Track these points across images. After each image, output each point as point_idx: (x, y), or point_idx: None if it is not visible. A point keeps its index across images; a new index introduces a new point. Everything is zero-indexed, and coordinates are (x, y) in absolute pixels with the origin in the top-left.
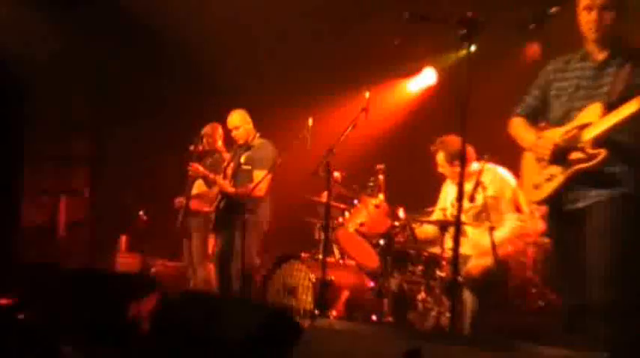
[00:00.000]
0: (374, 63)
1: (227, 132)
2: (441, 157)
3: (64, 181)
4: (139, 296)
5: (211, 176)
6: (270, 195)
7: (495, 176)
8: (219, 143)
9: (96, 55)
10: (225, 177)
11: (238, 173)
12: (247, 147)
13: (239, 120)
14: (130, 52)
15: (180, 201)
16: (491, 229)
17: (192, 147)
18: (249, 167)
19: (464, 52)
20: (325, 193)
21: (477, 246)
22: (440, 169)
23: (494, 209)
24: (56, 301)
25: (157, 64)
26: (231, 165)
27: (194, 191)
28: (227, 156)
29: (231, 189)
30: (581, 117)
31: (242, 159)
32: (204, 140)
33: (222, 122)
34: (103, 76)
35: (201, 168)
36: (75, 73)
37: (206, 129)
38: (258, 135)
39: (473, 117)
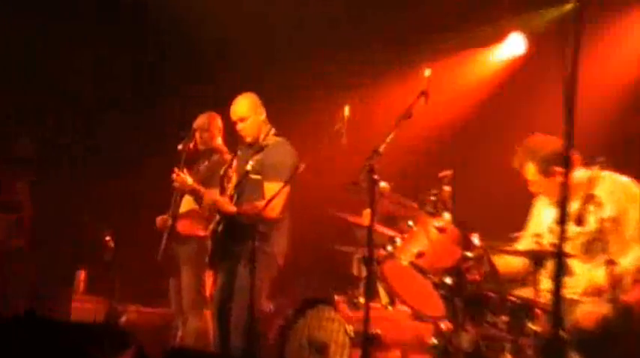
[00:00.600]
0: (434, 30)
1: (230, 127)
2: (531, 170)
3: None
4: (105, 355)
5: (202, 191)
6: (288, 215)
7: (615, 188)
8: (219, 140)
9: (27, 30)
10: (223, 191)
11: (244, 184)
12: (258, 147)
13: (247, 108)
14: (93, 26)
15: (163, 219)
16: (610, 263)
17: (180, 146)
18: (259, 176)
19: (569, 6)
20: (367, 211)
21: (588, 287)
22: (532, 188)
23: (613, 235)
24: None
25: (140, 40)
26: (233, 172)
27: (183, 208)
28: (228, 158)
29: (231, 209)
30: None
31: (250, 165)
32: (197, 135)
33: (224, 113)
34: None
35: (189, 180)
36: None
37: (200, 121)
38: (272, 131)
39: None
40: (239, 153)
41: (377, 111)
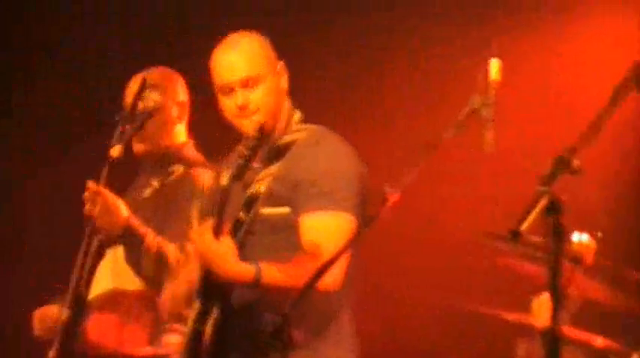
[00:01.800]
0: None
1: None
2: None
3: None
4: None
5: (149, 237)
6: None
7: None
8: (180, 133)
9: None
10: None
11: (252, 226)
12: (274, 148)
13: (259, 59)
14: None
15: (50, 314)
16: None
17: (115, 149)
18: (286, 209)
19: None
20: (543, 300)
21: None
22: None
23: None
24: None
25: None
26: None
27: (100, 284)
28: (202, 175)
29: (249, 271)
30: None
31: (261, 184)
32: (139, 111)
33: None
34: None
35: (123, 210)
36: None
37: (138, 83)
38: (298, 116)
39: None
40: (238, 160)
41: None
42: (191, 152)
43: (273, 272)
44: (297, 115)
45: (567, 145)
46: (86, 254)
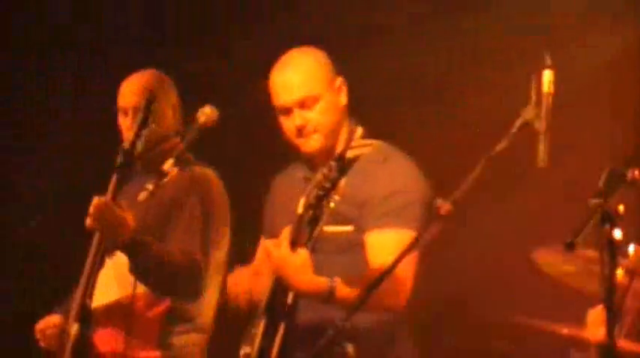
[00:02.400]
0: None
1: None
2: None
3: None
4: None
5: (155, 246)
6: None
7: None
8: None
9: None
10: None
11: (316, 244)
12: (340, 165)
13: (317, 77)
14: None
15: (51, 325)
16: None
17: (122, 155)
18: (349, 227)
19: None
20: (597, 312)
21: None
22: None
23: None
24: None
25: None
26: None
27: (104, 293)
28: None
29: (321, 282)
30: None
31: (332, 201)
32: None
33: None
34: None
35: (129, 221)
36: None
37: (137, 90)
38: (360, 132)
39: None
40: (317, 191)
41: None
42: (182, 153)
43: (346, 287)
44: (360, 131)
45: (622, 157)
46: (92, 266)
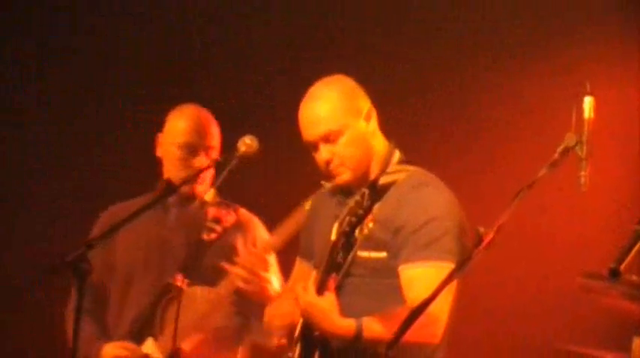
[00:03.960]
0: None
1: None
2: None
3: None
4: None
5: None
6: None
7: None
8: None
9: None
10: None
11: (350, 268)
12: (373, 192)
13: (339, 110)
14: None
15: None
16: None
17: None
18: (384, 253)
19: None
20: None
21: None
22: None
23: None
24: None
25: None
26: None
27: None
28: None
29: (348, 325)
30: None
31: (365, 229)
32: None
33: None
34: None
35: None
36: None
37: (192, 125)
38: (398, 156)
39: None
40: (326, 206)
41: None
42: (222, 183)
43: (374, 327)
44: (397, 155)
45: None
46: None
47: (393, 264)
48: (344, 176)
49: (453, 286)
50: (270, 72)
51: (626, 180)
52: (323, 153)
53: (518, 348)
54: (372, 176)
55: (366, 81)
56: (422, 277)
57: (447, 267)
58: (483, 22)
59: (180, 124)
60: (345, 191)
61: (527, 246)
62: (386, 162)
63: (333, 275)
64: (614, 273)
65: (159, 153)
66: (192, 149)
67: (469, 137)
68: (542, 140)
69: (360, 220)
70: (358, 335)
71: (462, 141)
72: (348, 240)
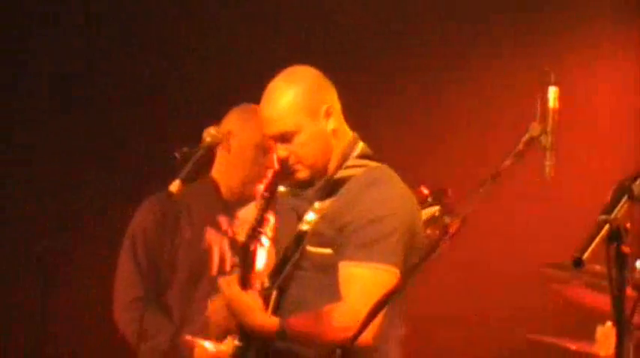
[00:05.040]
0: None
1: None
2: None
3: None
4: None
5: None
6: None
7: None
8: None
9: None
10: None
11: (295, 266)
12: (326, 185)
13: (294, 109)
14: None
15: None
16: None
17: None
18: (329, 250)
19: None
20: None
21: None
22: None
23: None
24: None
25: None
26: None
27: None
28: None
29: (269, 323)
30: None
31: (307, 223)
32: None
33: None
34: None
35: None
36: None
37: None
38: (359, 150)
39: None
40: (282, 198)
41: None
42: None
43: (299, 325)
44: (359, 149)
45: (630, 172)
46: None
47: (337, 261)
48: (300, 174)
49: (388, 287)
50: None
51: (593, 170)
52: (279, 151)
53: (485, 339)
54: (331, 169)
55: (334, 72)
56: (358, 277)
57: (386, 269)
58: (450, 12)
59: (254, 125)
60: (303, 186)
61: (494, 237)
62: (345, 157)
63: (267, 284)
64: (577, 263)
65: (218, 151)
66: (266, 149)
67: (436, 127)
68: (510, 130)
69: (259, 223)
70: (281, 333)
71: (428, 132)
72: (299, 234)
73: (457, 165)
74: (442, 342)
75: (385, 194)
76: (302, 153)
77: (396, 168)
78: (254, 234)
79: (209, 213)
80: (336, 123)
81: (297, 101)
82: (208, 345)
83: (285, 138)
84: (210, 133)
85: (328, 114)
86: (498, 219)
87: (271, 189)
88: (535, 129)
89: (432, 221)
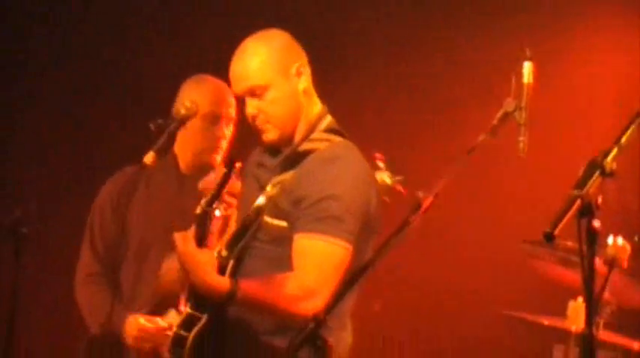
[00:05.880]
0: None
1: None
2: None
3: None
4: None
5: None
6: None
7: None
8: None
9: None
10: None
11: (252, 235)
12: (288, 158)
13: (267, 65)
14: None
15: None
16: None
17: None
18: (285, 223)
19: None
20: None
21: None
22: None
23: None
24: None
25: None
26: (229, 209)
27: None
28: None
29: (223, 285)
30: None
31: (264, 196)
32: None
33: None
34: None
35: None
36: None
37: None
38: (326, 123)
39: None
40: (248, 168)
41: None
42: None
43: (251, 290)
44: (326, 122)
45: (602, 148)
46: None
47: (292, 234)
48: (269, 134)
49: (342, 265)
50: None
51: (570, 146)
52: (249, 108)
53: (461, 314)
54: (297, 139)
55: (307, 46)
56: (312, 249)
57: (340, 245)
58: None
59: (202, 95)
60: (271, 151)
61: (470, 214)
62: (312, 128)
63: (224, 253)
64: (548, 237)
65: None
66: (215, 119)
67: (411, 103)
68: (486, 106)
69: (212, 200)
70: (232, 294)
71: (404, 108)
72: (258, 205)
73: (432, 141)
74: (417, 317)
75: (344, 171)
76: (271, 110)
77: (373, 144)
78: (213, 202)
79: (165, 186)
80: (306, 84)
81: (269, 58)
82: (143, 321)
83: (255, 93)
84: (184, 105)
85: (299, 73)
86: (474, 195)
87: (228, 161)
88: (509, 104)
89: (383, 187)
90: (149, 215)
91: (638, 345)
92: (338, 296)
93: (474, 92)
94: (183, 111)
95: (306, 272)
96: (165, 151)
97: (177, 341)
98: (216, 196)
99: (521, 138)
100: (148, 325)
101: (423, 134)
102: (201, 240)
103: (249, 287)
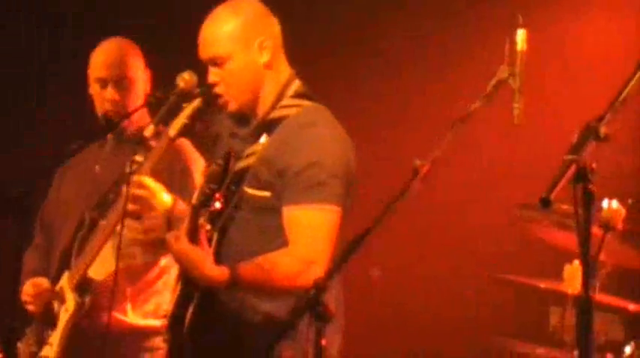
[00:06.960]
0: None
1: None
2: None
3: None
4: None
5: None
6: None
7: None
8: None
9: None
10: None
11: (235, 210)
12: (260, 126)
13: (229, 33)
14: None
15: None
16: None
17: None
18: (267, 193)
19: None
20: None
21: None
22: None
23: None
24: None
25: None
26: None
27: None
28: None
29: (215, 273)
30: None
31: (247, 162)
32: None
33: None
34: None
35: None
36: None
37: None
38: (295, 87)
39: None
40: (206, 189)
41: None
42: (161, 119)
43: (250, 274)
44: (295, 87)
45: (596, 113)
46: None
47: (276, 204)
48: (229, 106)
49: (335, 228)
50: None
51: (565, 111)
52: (211, 76)
53: (457, 278)
54: (265, 107)
55: (290, 19)
56: (304, 220)
57: (329, 209)
58: None
59: (93, 59)
60: (240, 120)
61: (462, 179)
62: (280, 95)
63: (208, 227)
64: (545, 203)
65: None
66: (103, 82)
67: (405, 71)
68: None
69: (213, 192)
70: (232, 282)
71: (396, 75)
72: (237, 174)
73: (428, 107)
74: (414, 281)
75: (321, 136)
76: (230, 81)
77: (367, 113)
78: (205, 200)
79: (93, 156)
80: (270, 57)
81: (233, 29)
82: (27, 285)
83: (215, 62)
84: (183, 78)
85: (262, 48)
86: (469, 160)
87: (226, 159)
88: (503, 71)
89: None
90: (72, 182)
91: (634, 306)
92: (338, 262)
93: (467, 59)
94: (182, 85)
95: (301, 244)
96: (165, 124)
97: (176, 320)
98: (217, 189)
99: (515, 105)
100: (30, 289)
101: (417, 102)
102: (193, 234)
103: (248, 271)
